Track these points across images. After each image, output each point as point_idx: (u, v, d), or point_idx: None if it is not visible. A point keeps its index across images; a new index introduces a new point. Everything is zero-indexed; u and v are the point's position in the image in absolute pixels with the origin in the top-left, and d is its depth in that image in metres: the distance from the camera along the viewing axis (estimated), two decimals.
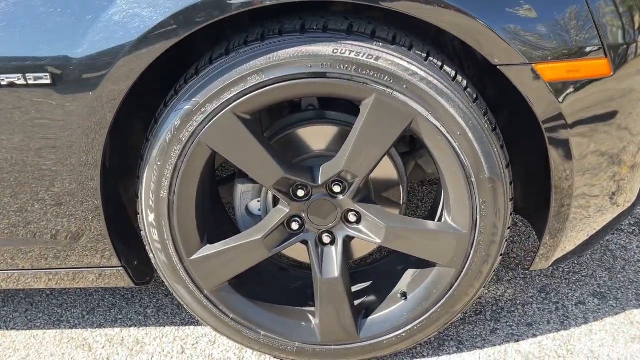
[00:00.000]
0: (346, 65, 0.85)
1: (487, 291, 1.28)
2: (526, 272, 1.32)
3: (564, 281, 1.30)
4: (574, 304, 1.23)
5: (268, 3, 0.82)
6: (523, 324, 1.18)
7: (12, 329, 1.29)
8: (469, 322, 1.20)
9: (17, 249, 1.05)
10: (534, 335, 1.15)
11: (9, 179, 0.96)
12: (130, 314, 1.30)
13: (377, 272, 1.22)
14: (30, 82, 0.87)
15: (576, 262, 1.35)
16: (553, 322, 1.18)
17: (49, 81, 0.87)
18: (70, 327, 1.27)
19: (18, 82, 0.87)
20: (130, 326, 1.26)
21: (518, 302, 1.24)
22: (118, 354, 1.19)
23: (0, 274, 1.11)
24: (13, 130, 0.91)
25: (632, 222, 1.48)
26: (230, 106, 0.88)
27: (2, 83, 0.87)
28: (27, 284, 1.13)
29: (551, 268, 1.33)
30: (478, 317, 1.21)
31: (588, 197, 0.98)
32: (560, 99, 0.86)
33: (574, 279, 1.30)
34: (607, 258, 1.36)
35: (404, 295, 1.07)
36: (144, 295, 1.35)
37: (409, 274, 1.09)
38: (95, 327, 1.27)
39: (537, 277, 1.31)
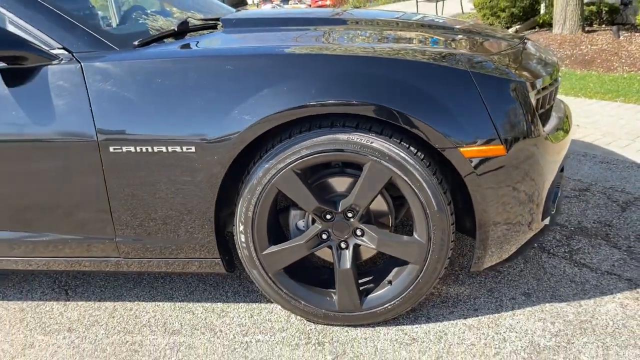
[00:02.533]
0: (354, 145, 1.55)
1: (451, 289, 1.92)
2: (480, 277, 1.96)
3: (504, 284, 1.92)
4: (508, 298, 1.85)
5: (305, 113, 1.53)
6: (471, 309, 1.81)
7: (142, 300, 2.01)
8: (436, 306, 1.84)
9: (162, 243, 1.78)
10: (477, 316, 1.78)
11: (168, 200, 1.69)
12: (216, 294, 2.00)
13: (375, 269, 1.88)
14: (184, 150, 1.60)
15: (516, 273, 1.98)
16: (490, 309, 1.81)
17: (193, 150, 1.60)
18: (179, 301, 1.98)
19: (177, 150, 1.60)
20: (218, 301, 1.96)
21: (472, 296, 1.88)
22: (211, 317, 1.88)
23: (145, 262, 1.83)
24: (175, 174, 1.64)
25: (562, 243, 2.10)
26: (290, 166, 1.59)
27: (169, 150, 1.61)
28: (152, 268, 1.84)
29: (499, 274, 1.96)
30: (442, 304, 1.85)
31: (500, 224, 1.63)
32: (474, 166, 1.53)
33: (513, 283, 1.93)
34: (535, 259, 1.98)
35: (390, 282, 1.73)
36: (225, 284, 2.06)
37: (394, 269, 1.75)
38: (195, 302, 1.97)
39: (488, 281, 1.94)
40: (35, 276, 2.26)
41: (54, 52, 1.67)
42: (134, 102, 1.62)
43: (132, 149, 1.62)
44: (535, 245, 2.15)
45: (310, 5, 31.37)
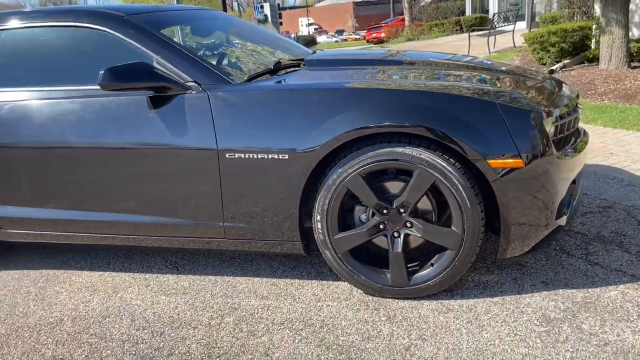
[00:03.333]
0: (407, 156, 2.08)
1: (482, 277, 2.38)
2: (506, 269, 2.41)
3: (527, 275, 2.37)
4: (529, 285, 2.30)
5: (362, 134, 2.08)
6: (497, 291, 2.27)
7: (237, 276, 2.58)
8: (469, 288, 2.30)
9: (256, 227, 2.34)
10: (501, 296, 2.23)
11: (265, 194, 2.25)
12: (294, 273, 2.54)
13: (421, 254, 2.36)
14: (279, 158, 2.17)
15: (538, 267, 2.42)
16: (513, 291, 2.26)
17: (287, 157, 2.17)
18: (266, 277, 2.54)
19: (275, 158, 2.18)
20: (295, 278, 2.50)
21: (498, 282, 2.33)
22: (290, 288, 2.42)
23: (244, 243, 2.40)
24: (272, 175, 2.21)
25: (580, 247, 2.53)
26: (357, 171, 2.13)
27: (269, 157, 2.18)
28: (248, 248, 2.41)
29: (522, 267, 2.40)
30: (474, 287, 2.31)
31: (520, 224, 2.10)
32: (499, 174, 2.02)
33: (534, 274, 2.37)
34: (554, 258, 2.41)
35: (432, 264, 2.22)
36: (300, 266, 2.60)
37: (435, 255, 2.24)
38: (278, 277, 2.52)
39: (513, 272, 2.39)
40: (152, 255, 2.88)
41: (188, 84, 2.30)
42: (245, 121, 2.22)
43: (242, 155, 2.21)
44: (557, 247, 2.59)
45: (365, 37, 32.25)
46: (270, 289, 2.44)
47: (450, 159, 2.07)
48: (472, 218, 2.08)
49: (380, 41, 25.35)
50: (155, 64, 2.35)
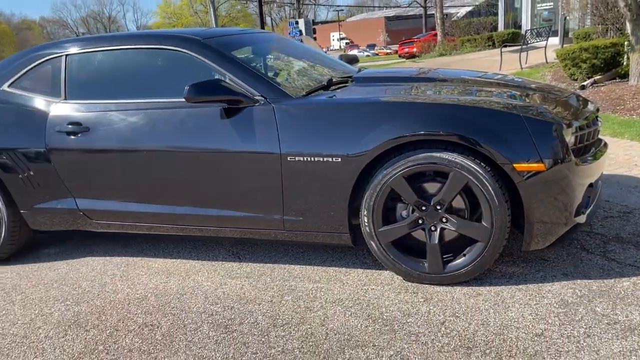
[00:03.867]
0: (443, 160, 2.43)
1: (509, 268, 2.70)
2: (531, 262, 2.73)
3: (549, 268, 2.68)
4: (550, 276, 2.61)
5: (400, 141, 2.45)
6: (522, 280, 2.59)
7: (291, 264, 2.96)
8: (496, 277, 2.63)
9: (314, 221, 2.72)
10: (525, 284, 2.55)
11: (320, 192, 2.64)
12: (341, 262, 2.91)
13: (454, 246, 2.70)
14: (333, 160, 2.56)
15: (560, 262, 2.72)
16: (536, 281, 2.57)
17: (340, 160, 2.55)
18: (317, 265, 2.91)
19: (329, 160, 2.56)
20: (343, 267, 2.87)
21: (523, 273, 2.65)
22: (339, 274, 2.78)
23: (300, 234, 2.78)
24: (326, 175, 2.59)
25: (599, 246, 2.82)
26: (400, 172, 2.49)
27: (324, 160, 2.57)
28: (303, 239, 2.79)
29: (546, 262, 2.72)
30: (501, 276, 2.63)
31: (542, 221, 2.42)
32: (523, 177, 2.36)
33: (556, 268, 2.68)
34: (575, 254, 2.72)
35: (464, 255, 2.56)
36: (346, 257, 2.97)
37: (467, 246, 2.57)
38: (327, 266, 2.89)
39: (537, 265, 2.71)
40: (215, 246, 3.30)
41: (256, 98, 2.71)
42: (304, 130, 2.61)
43: (301, 158, 2.61)
44: (578, 246, 2.89)
45: (397, 51, 32.59)
46: (321, 275, 2.81)
47: (482, 163, 2.41)
48: (499, 214, 2.42)
49: (412, 56, 25.68)
50: (227, 81, 2.78)
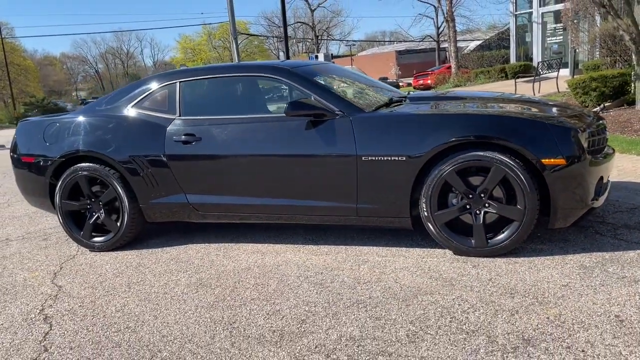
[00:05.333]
0: (486, 157, 3.17)
1: (537, 246, 3.40)
2: (554, 241, 3.43)
3: (570, 245, 3.38)
4: (571, 250, 3.30)
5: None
6: (549, 253, 3.28)
7: (360, 246, 3.69)
8: (528, 251, 3.33)
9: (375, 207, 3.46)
10: (551, 255, 3.24)
11: (388, 184, 3.38)
12: (400, 243, 3.63)
13: (493, 227, 3.40)
14: (399, 159, 3.31)
15: (578, 241, 3.42)
16: (560, 253, 3.27)
17: (404, 159, 3.30)
18: (382, 246, 3.64)
19: (396, 159, 3.31)
20: (403, 246, 3.59)
21: (549, 249, 3.35)
22: (401, 251, 3.50)
23: (370, 219, 3.51)
24: (393, 171, 3.34)
25: (610, 230, 3.52)
26: (452, 168, 3.23)
27: (391, 159, 3.32)
28: (372, 223, 3.53)
29: (566, 241, 3.42)
30: (532, 251, 3.33)
31: (565, 207, 3.14)
32: (549, 168, 3.09)
33: (575, 245, 3.37)
34: (591, 236, 3.41)
35: (503, 232, 3.27)
36: (404, 239, 3.69)
37: (505, 225, 3.29)
38: (391, 247, 3.61)
39: (560, 243, 3.41)
40: (292, 234, 4.04)
41: (336, 112, 3.50)
42: (375, 136, 3.38)
43: (373, 158, 3.36)
44: (593, 231, 3.59)
45: (412, 83, 33.61)
46: (386, 252, 3.54)
47: (516, 159, 3.15)
48: (531, 199, 3.14)
49: (427, 87, 26.64)
50: (312, 99, 3.57)
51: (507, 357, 2.21)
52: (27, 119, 4.55)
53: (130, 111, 4.05)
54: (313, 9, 44.08)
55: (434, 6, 34.02)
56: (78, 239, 4.17)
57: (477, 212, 3.30)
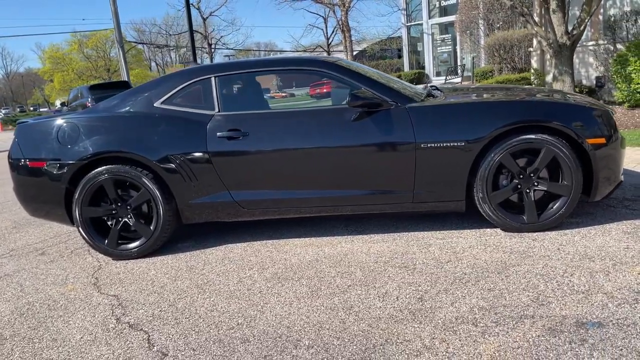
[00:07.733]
0: (537, 140, 3.46)
1: (572, 219, 3.77)
2: (584, 216, 3.82)
3: (597, 218, 3.79)
4: (598, 222, 3.71)
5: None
6: (580, 225, 3.66)
7: (412, 231, 3.80)
8: (567, 225, 3.68)
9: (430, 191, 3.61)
10: (580, 226, 3.62)
11: (445, 169, 3.54)
12: (456, 226, 3.81)
13: (543, 202, 3.71)
14: (457, 145, 3.49)
15: (602, 215, 3.84)
16: (588, 225, 3.66)
17: (463, 144, 3.49)
18: (435, 230, 3.79)
19: (455, 145, 3.49)
20: (458, 228, 3.77)
21: (580, 221, 3.72)
22: (454, 233, 3.68)
23: (425, 205, 3.65)
24: (451, 156, 3.51)
25: (624, 205, 4.00)
26: (506, 150, 3.48)
27: (450, 145, 3.49)
28: (427, 209, 3.68)
29: (593, 215, 3.82)
30: (569, 224, 3.69)
31: (603, 181, 3.53)
32: (593, 147, 3.45)
33: (601, 218, 3.79)
34: (607, 209, 3.86)
35: (551, 207, 3.59)
36: (458, 221, 3.88)
37: (552, 201, 3.61)
38: (446, 230, 3.77)
39: (588, 218, 3.80)
40: (331, 227, 4.04)
41: (390, 103, 3.60)
42: (434, 124, 3.54)
43: (432, 144, 3.52)
44: (618, 204, 4.05)
45: (308, 93, 34.30)
46: (441, 235, 3.70)
47: (563, 140, 3.48)
48: (576, 175, 3.49)
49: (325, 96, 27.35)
50: (363, 90, 3.64)
51: (636, 307, 2.46)
52: (26, 120, 4.07)
53: (159, 108, 3.80)
54: (205, 17, 43.36)
55: (323, 17, 35.21)
56: (103, 248, 3.81)
57: (527, 190, 3.58)
